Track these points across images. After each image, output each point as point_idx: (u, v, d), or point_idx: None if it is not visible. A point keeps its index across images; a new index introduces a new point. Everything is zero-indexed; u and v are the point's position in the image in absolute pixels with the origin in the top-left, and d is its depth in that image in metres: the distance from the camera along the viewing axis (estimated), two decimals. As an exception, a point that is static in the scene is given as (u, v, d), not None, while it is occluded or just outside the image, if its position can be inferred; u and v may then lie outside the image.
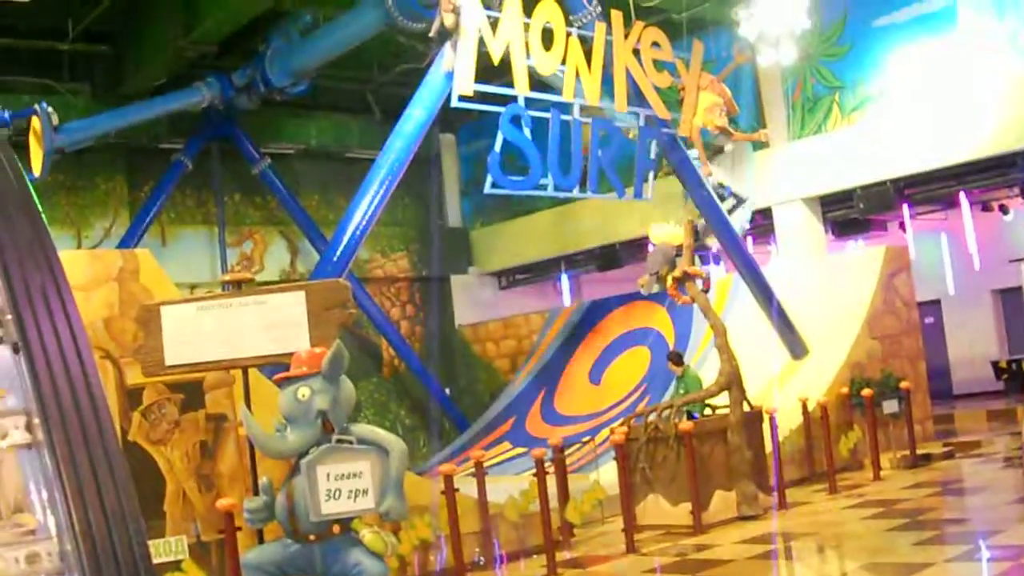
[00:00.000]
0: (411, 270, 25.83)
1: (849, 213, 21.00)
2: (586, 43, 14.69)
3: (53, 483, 4.70)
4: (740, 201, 18.64)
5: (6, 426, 4.86)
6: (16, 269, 5.00)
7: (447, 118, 20.87)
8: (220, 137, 21.64)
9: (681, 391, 14.20)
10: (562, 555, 11.74)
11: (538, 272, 26.33)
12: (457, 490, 10.75)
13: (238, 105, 20.26)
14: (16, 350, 4.88)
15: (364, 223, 13.63)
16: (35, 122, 16.38)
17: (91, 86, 20.37)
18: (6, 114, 16.24)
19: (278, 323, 8.20)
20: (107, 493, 4.62)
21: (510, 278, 26.98)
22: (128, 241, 19.90)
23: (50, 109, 16.33)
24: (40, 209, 5.25)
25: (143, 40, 19.14)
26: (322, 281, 8.96)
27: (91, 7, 18.08)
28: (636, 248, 22.67)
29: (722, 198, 17.82)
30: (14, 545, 4.66)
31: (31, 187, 5.34)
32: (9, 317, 4.92)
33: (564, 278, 26.33)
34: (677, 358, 14.94)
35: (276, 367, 7.85)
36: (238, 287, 8.61)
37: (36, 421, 4.78)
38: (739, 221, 18.00)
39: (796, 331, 17.77)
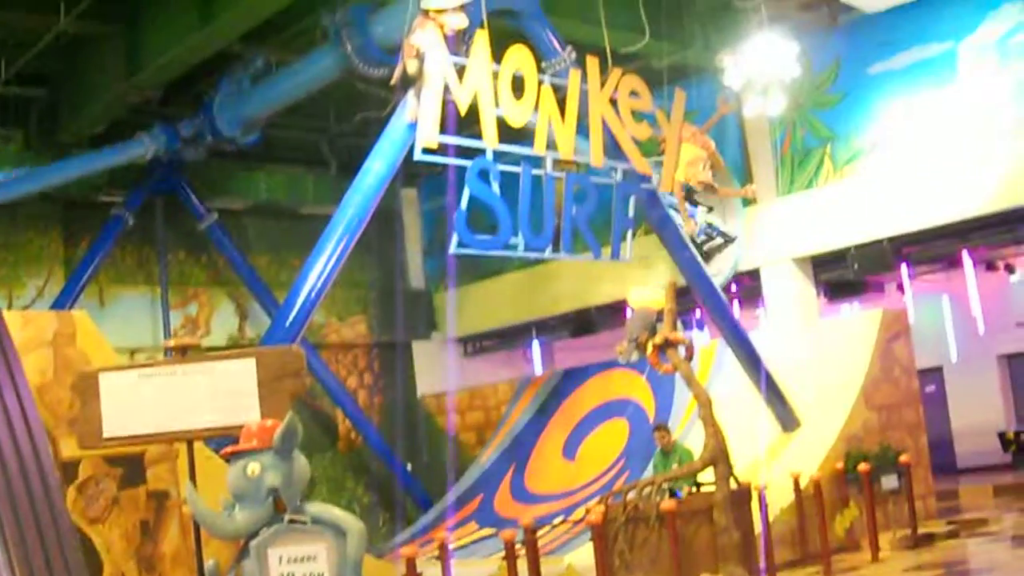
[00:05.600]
0: (369, 335, 25.82)
1: (843, 274, 21.09)
2: (559, 91, 14.73)
3: (2, 568, 4.70)
4: (728, 239, 18.91)
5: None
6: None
7: (409, 172, 20.95)
8: (164, 190, 21.58)
9: (674, 466, 14.12)
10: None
11: (507, 338, 26.36)
12: (420, 574, 10.76)
13: (184, 156, 20.31)
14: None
15: (319, 285, 13.65)
16: None
17: (24, 132, 20.37)
18: None
19: (226, 392, 8.23)
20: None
21: (477, 344, 27.00)
22: (63, 302, 19.80)
23: None
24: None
25: (82, 84, 19.21)
26: (274, 347, 9.04)
27: (25, 48, 18.11)
28: (613, 313, 22.73)
29: (711, 237, 17.98)
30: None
31: None
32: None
33: (535, 345, 26.36)
34: (667, 430, 14.98)
35: (224, 440, 7.87)
36: (183, 353, 8.66)
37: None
38: (728, 261, 18.18)
39: (787, 402, 17.85)
